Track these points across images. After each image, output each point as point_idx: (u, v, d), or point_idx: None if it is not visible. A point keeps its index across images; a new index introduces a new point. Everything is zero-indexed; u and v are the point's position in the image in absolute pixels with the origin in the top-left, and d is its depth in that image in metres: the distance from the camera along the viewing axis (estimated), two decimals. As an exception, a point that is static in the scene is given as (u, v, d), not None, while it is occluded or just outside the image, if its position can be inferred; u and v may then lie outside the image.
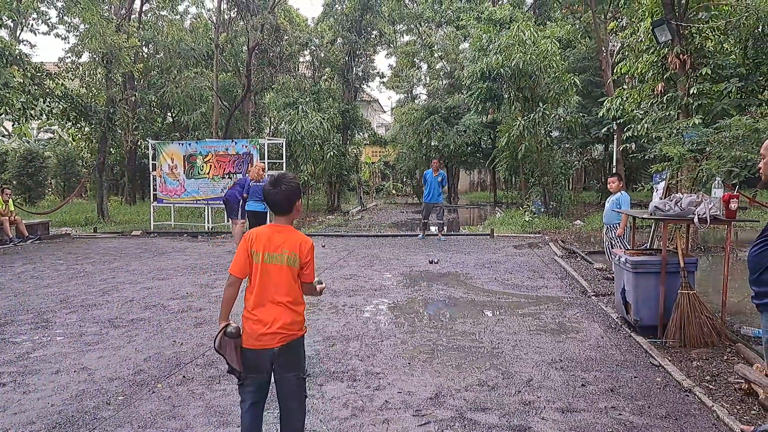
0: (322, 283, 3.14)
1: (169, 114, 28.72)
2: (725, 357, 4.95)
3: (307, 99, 21.86)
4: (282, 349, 2.92)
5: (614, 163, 20.17)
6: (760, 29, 10.13)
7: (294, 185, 3.02)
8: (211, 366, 4.96)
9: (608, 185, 8.53)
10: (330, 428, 3.78)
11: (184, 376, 4.71)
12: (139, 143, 25.13)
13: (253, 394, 2.98)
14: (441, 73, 31.13)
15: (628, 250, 6.32)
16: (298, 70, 27.44)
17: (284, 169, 16.57)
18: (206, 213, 16.56)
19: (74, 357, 5.21)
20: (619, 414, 3.87)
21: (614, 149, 20.17)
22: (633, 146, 12.89)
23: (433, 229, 13.90)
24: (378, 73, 27.85)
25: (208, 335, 5.87)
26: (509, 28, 17.88)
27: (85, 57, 20.74)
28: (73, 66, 20.89)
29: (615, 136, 19.30)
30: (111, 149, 22.41)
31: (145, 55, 25.58)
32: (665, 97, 10.95)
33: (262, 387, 3.00)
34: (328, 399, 4.22)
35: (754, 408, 3.91)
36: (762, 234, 3.22)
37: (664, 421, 3.77)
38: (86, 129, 20.38)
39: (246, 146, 16.18)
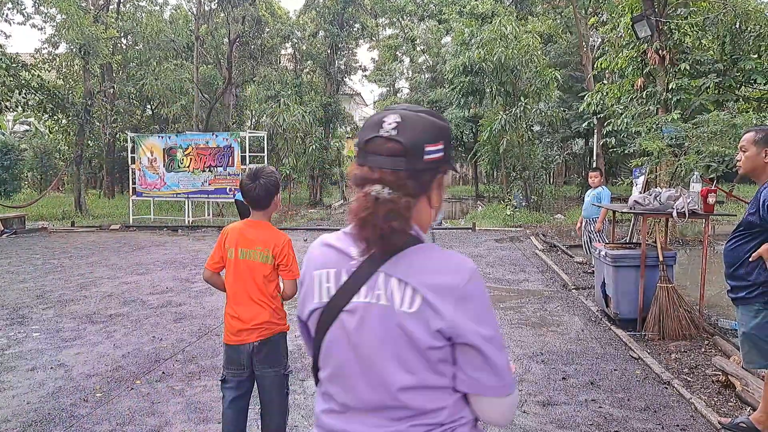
0: None
1: (149, 106, 28.33)
2: (703, 349, 5.02)
3: (289, 92, 21.72)
4: (260, 344, 2.89)
5: (594, 158, 20.36)
6: (737, 26, 10.28)
7: (273, 179, 2.96)
8: (191, 362, 4.90)
9: (589, 180, 8.60)
10: (312, 424, 3.75)
11: (163, 372, 4.66)
12: (117, 136, 24.74)
13: (233, 390, 2.95)
14: (423, 67, 31.13)
15: (607, 244, 6.37)
16: (280, 62, 27.23)
17: (266, 162, 16.44)
18: (186, 207, 16.38)
19: (51, 353, 5.13)
20: (599, 407, 3.91)
21: (594, 144, 20.36)
22: (613, 141, 12.99)
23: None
24: (360, 66, 27.75)
25: (188, 331, 5.82)
26: (491, 22, 17.91)
27: (62, 48, 20.34)
28: (50, 57, 20.48)
29: (595, 131, 19.47)
30: (89, 142, 22.00)
31: (124, 47, 25.18)
32: (645, 92, 11.05)
33: (242, 383, 2.96)
34: (309, 394, 4.20)
35: (732, 400, 3.98)
36: (737, 229, 3.26)
37: (643, 413, 3.82)
38: (63, 121, 20.00)
39: (227, 139, 16.02)
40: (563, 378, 4.46)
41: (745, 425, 3.41)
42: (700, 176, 5.97)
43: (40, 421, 3.78)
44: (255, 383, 3.02)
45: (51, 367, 4.78)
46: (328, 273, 1.29)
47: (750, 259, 3.07)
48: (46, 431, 3.65)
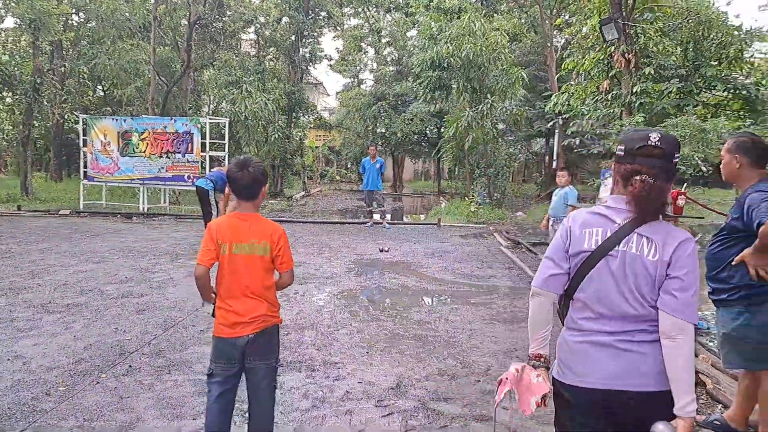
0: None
1: (100, 87, 27.23)
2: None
3: (251, 78, 21.19)
4: (256, 336, 2.79)
5: (555, 157, 20.73)
6: (700, 33, 10.60)
7: (261, 169, 2.87)
8: (159, 355, 4.69)
9: (557, 179, 8.69)
10: (292, 420, 3.64)
11: (130, 366, 4.44)
12: (66, 117, 23.69)
13: (220, 385, 2.82)
14: (388, 59, 30.97)
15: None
16: (241, 47, 26.59)
17: (226, 150, 15.97)
18: (142, 193, 15.81)
19: (6, 344, 4.82)
20: (580, 404, 3.92)
21: (555, 143, 20.72)
22: (577, 141, 13.22)
23: (376, 216, 13.83)
24: (325, 55, 27.39)
25: (153, 323, 5.58)
26: (459, 17, 17.94)
27: (9, 22, 19.32)
28: (-4, 31, 19.41)
29: (556, 131, 19.81)
30: (35, 122, 20.99)
31: (75, 24, 24.08)
32: (610, 95, 11.28)
33: (230, 378, 2.83)
34: (287, 390, 4.07)
35: (702, 397, 4.05)
36: (720, 233, 3.31)
37: None
38: (8, 100, 19.00)
39: (186, 125, 15.54)
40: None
41: (719, 422, 3.48)
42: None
43: (1, 417, 3.53)
44: (241, 378, 2.90)
45: (7, 359, 4.48)
46: (597, 230, 2.02)
47: (733, 263, 3.12)
48: (9, 427, 3.41)
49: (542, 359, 2.12)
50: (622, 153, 2.04)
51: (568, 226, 2.08)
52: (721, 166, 3.40)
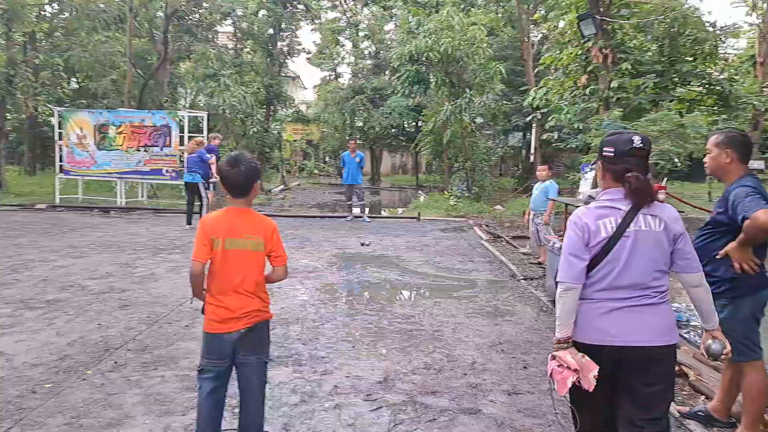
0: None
1: (75, 79, 26.68)
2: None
3: (229, 71, 20.99)
4: (247, 331, 2.82)
5: (532, 151, 20.93)
6: (675, 29, 10.80)
7: (253, 165, 2.89)
8: (144, 351, 4.68)
9: (538, 173, 8.81)
10: (281, 415, 3.67)
11: (115, 362, 4.42)
12: (40, 109, 23.18)
13: (212, 381, 2.83)
14: (366, 53, 30.90)
15: (561, 236, 6.56)
16: (218, 40, 26.27)
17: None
18: (119, 187, 15.58)
19: (-14, 342, 4.76)
20: (562, 396, 4.01)
21: (532, 138, 20.91)
22: (556, 135, 13.39)
23: (356, 210, 13.86)
24: (303, 48, 27.23)
25: (137, 318, 5.55)
26: (437, 11, 17.98)
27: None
28: (-35, 21, 18.86)
29: (533, 125, 20.00)
30: (8, 115, 20.52)
31: (49, 15, 23.54)
32: (588, 90, 11.44)
33: (222, 373, 2.86)
34: (275, 384, 4.09)
35: (685, 389, 4.18)
36: (705, 227, 3.41)
37: (605, 400, 3.95)
38: (-20, 91, 18.51)
39: (164, 118, 15.34)
40: (524, 367, 4.56)
41: (702, 414, 3.60)
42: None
43: (-16, 416, 3.50)
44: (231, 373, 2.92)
45: (-11, 357, 4.44)
46: (608, 219, 2.43)
47: (717, 256, 3.21)
48: (-7, 426, 3.39)
49: (569, 341, 2.47)
50: (612, 154, 2.48)
51: (582, 222, 2.45)
52: (706, 159, 3.45)
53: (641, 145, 2.45)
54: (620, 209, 2.42)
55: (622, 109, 10.16)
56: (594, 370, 2.38)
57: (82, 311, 5.71)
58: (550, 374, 2.51)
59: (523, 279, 7.73)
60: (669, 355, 2.45)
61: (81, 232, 10.81)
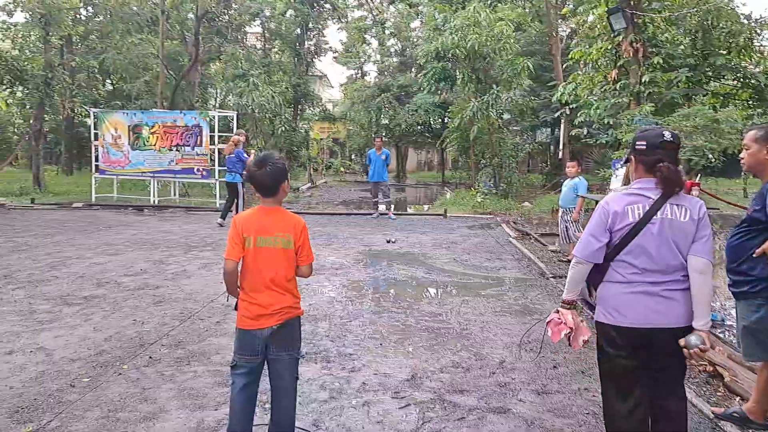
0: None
1: (109, 81, 27.33)
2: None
3: (258, 71, 21.24)
4: (279, 327, 2.88)
5: (561, 147, 20.70)
6: (709, 21, 10.55)
7: (280, 166, 2.94)
8: (178, 347, 4.79)
9: (567, 169, 8.72)
10: (310, 411, 3.73)
11: (150, 357, 4.54)
12: (76, 110, 23.83)
13: (244, 376, 2.90)
14: (392, 51, 30.92)
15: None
16: (247, 40, 26.61)
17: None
18: (152, 186, 15.93)
19: (28, 336, 4.93)
20: (593, 395, 3.99)
21: (561, 133, 20.68)
22: (585, 131, 13.21)
23: (382, 207, 13.90)
24: (330, 47, 27.39)
25: (170, 314, 5.69)
26: (463, 8, 17.89)
27: (18, 17, 19.39)
28: (4, 26, 19.48)
29: (562, 121, 19.77)
30: (46, 116, 21.14)
31: (84, 18, 24.15)
32: (618, 84, 11.26)
33: (255, 369, 2.92)
34: (304, 381, 4.15)
35: (720, 390, 4.11)
36: (741, 225, 3.35)
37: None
38: (19, 94, 19.11)
39: (195, 118, 15.62)
40: (554, 366, 4.54)
41: (738, 415, 3.53)
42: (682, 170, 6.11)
43: (27, 407, 3.64)
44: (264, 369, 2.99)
45: (30, 351, 4.59)
46: (637, 205, 2.63)
47: (754, 255, 3.15)
48: (35, 418, 3.52)
49: (574, 304, 2.91)
50: (645, 147, 2.70)
51: (610, 209, 2.69)
52: (743, 155, 3.39)
53: (671, 138, 2.69)
54: (649, 197, 2.63)
55: (653, 104, 9.97)
56: (586, 335, 2.82)
57: (118, 307, 5.87)
58: (548, 323, 2.95)
59: (552, 277, 7.66)
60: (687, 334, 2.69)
61: (116, 230, 11.08)
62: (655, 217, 2.60)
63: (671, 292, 2.62)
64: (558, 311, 2.91)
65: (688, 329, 2.62)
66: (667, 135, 2.69)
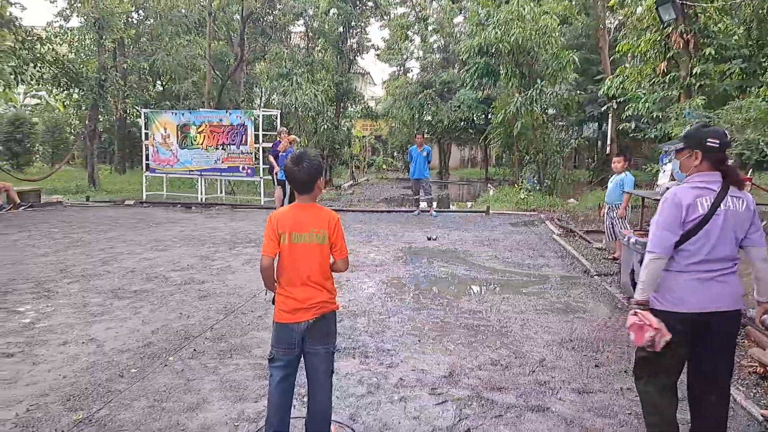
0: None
1: (159, 82, 28.15)
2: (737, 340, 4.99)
3: (301, 70, 21.48)
4: (315, 321, 2.94)
5: (608, 142, 20.20)
6: (764, 10, 10.11)
7: (316, 163, 2.98)
8: (221, 340, 4.93)
9: (613, 165, 8.50)
10: (348, 405, 3.77)
11: (194, 350, 4.68)
12: (128, 111, 24.67)
13: (282, 369, 2.97)
14: (435, 47, 30.77)
15: (637, 231, 6.33)
16: (291, 40, 26.93)
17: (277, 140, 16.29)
18: (200, 184, 16.36)
19: (81, 328, 5.16)
20: (635, 395, 3.85)
21: (608, 128, 20.18)
22: (633, 125, 12.86)
23: (423, 204, 13.86)
24: (372, 45, 27.43)
25: (215, 308, 5.84)
26: (507, 2, 17.65)
27: (74, 22, 20.17)
28: (62, 31, 20.32)
29: (610, 115, 19.28)
30: (100, 117, 21.98)
31: (135, 21, 24.95)
32: (667, 77, 10.91)
33: (291, 362, 2.99)
34: (342, 375, 4.21)
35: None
36: None
37: (682, 403, 3.80)
38: (75, 96, 19.90)
39: (240, 117, 15.93)
40: (596, 365, 4.46)
41: None
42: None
43: (78, 396, 3.81)
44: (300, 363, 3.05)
45: (82, 342, 4.81)
46: (704, 198, 2.80)
47: None
48: (86, 406, 3.68)
49: (647, 304, 2.90)
50: (717, 145, 2.83)
51: (680, 199, 2.82)
52: None
53: (728, 139, 2.94)
54: (714, 190, 2.80)
55: (705, 97, 9.62)
56: (667, 336, 2.78)
57: (165, 301, 6.07)
58: (629, 327, 2.91)
59: (596, 275, 7.51)
60: (739, 317, 2.93)
61: (165, 226, 11.43)
62: (719, 208, 2.77)
63: (725, 276, 2.81)
64: (636, 313, 2.88)
65: (739, 313, 2.88)
66: (728, 135, 2.94)
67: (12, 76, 14.50)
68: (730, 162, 2.87)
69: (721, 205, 2.76)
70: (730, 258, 2.82)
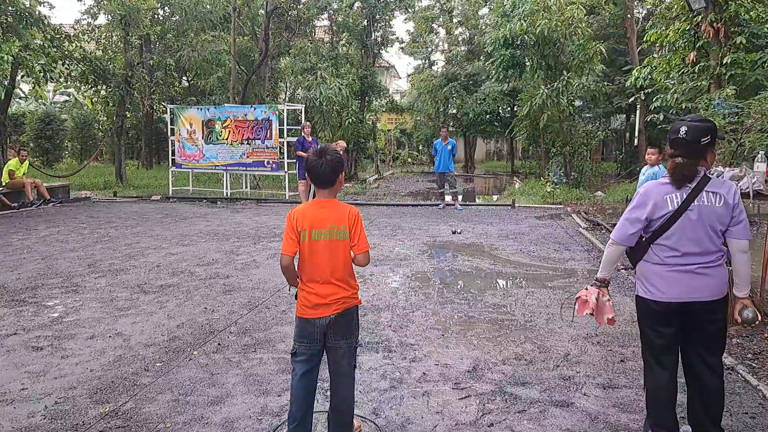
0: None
1: (185, 78, 28.47)
2: (765, 335, 4.87)
3: (326, 64, 21.52)
4: (337, 316, 2.92)
5: (636, 134, 19.84)
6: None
7: (338, 157, 2.95)
8: (245, 334, 4.96)
9: (647, 156, 8.31)
10: (370, 399, 3.77)
11: (219, 344, 4.72)
12: (155, 107, 25.02)
13: (304, 364, 2.96)
14: (459, 39, 30.55)
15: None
16: (315, 34, 26.98)
17: (301, 135, 16.37)
18: (225, 179, 16.51)
19: (108, 322, 5.24)
20: (663, 391, 3.81)
21: (637, 119, 19.81)
22: (661, 117, 12.59)
23: (448, 198, 13.78)
24: (397, 38, 27.33)
25: (239, 303, 5.88)
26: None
27: (101, 19, 20.48)
28: (89, 28, 20.66)
29: (638, 107, 18.92)
30: (127, 113, 22.32)
31: (161, 18, 25.25)
32: (697, 67, 10.64)
33: (313, 357, 2.98)
34: (365, 370, 4.20)
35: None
36: None
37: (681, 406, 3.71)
38: (103, 92, 20.23)
39: (265, 112, 16.02)
40: (621, 360, 4.38)
41: None
42: (765, 155, 5.72)
43: (105, 389, 3.87)
44: (323, 357, 3.05)
45: (109, 336, 4.88)
46: (674, 194, 2.83)
47: None
48: (112, 399, 3.74)
49: (606, 282, 3.15)
50: (670, 140, 2.91)
51: (649, 200, 2.87)
52: None
53: (684, 135, 2.89)
54: (688, 186, 2.84)
55: (735, 87, 9.36)
56: (610, 314, 3.10)
57: (190, 296, 6.13)
58: (577, 298, 3.17)
59: (623, 268, 7.36)
60: (723, 306, 2.94)
61: (190, 221, 11.57)
62: (693, 203, 2.81)
63: (705, 269, 2.85)
64: (587, 288, 3.13)
65: (722, 301, 2.90)
66: (683, 130, 2.89)
67: (41, 74, 14.76)
68: (678, 160, 2.84)
69: (695, 200, 2.81)
70: (712, 251, 2.85)
